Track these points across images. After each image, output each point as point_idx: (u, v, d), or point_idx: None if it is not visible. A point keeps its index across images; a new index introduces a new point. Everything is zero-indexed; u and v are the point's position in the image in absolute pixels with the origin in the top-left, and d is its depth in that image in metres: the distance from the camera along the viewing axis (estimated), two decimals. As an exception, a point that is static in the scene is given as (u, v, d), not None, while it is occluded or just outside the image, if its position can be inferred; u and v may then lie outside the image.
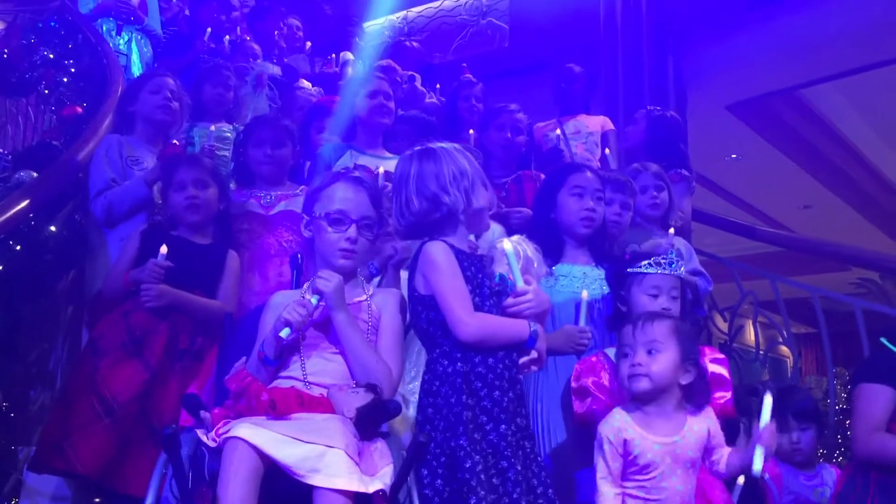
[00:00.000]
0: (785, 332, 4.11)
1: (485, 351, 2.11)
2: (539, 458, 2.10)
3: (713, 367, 2.48)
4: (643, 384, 2.14)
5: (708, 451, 2.17)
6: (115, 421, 2.62)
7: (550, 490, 2.08)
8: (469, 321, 2.09)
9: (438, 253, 2.13)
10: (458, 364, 2.11)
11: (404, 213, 2.21)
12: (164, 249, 2.76)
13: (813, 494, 3.04)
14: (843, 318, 4.28)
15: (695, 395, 2.19)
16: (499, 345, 2.13)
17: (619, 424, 2.17)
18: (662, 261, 2.56)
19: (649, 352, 2.16)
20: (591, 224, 2.82)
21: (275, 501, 1.89)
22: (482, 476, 1.96)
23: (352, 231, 2.24)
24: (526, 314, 2.15)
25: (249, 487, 1.79)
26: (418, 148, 2.27)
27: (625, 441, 2.13)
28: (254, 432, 1.83)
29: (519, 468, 2.03)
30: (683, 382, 2.17)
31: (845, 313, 3.92)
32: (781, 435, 3.12)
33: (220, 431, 1.90)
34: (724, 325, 4.30)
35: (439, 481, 1.99)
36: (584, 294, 2.64)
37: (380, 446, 2.04)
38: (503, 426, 2.06)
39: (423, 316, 2.18)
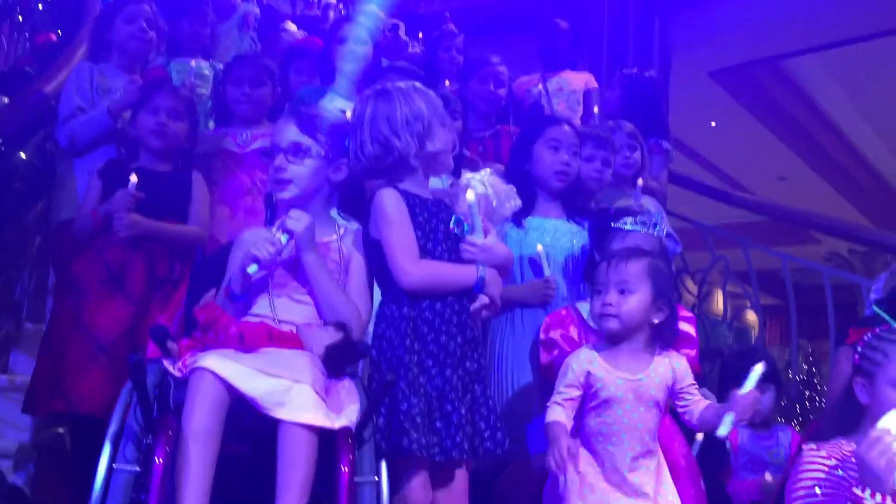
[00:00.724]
0: (753, 298, 4.16)
1: (432, 296, 2.12)
2: (490, 403, 2.09)
3: (681, 325, 2.51)
4: (612, 324, 2.15)
5: (675, 394, 2.17)
6: (108, 357, 2.63)
7: (500, 434, 2.08)
8: (411, 270, 2.11)
9: (386, 200, 2.13)
10: (405, 309, 2.12)
11: (359, 157, 2.18)
12: (133, 178, 2.73)
13: (768, 455, 3.10)
14: (809, 292, 4.34)
15: (664, 335, 2.20)
16: (444, 291, 2.13)
17: (584, 356, 2.19)
18: (647, 220, 2.58)
19: (621, 291, 2.16)
20: (565, 178, 2.82)
21: (240, 435, 1.90)
22: (417, 419, 1.98)
23: (279, 160, 2.22)
24: (486, 264, 2.17)
25: (214, 418, 1.79)
26: (376, 87, 2.24)
27: (588, 374, 2.14)
28: (221, 364, 1.83)
29: (463, 412, 2.04)
30: (656, 321, 2.18)
31: (812, 287, 3.98)
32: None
33: (187, 362, 1.89)
34: (693, 289, 4.34)
35: (382, 420, 2.02)
36: (539, 248, 2.67)
37: (347, 385, 2.04)
38: (448, 370, 2.08)
39: (375, 261, 2.20)
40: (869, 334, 1.91)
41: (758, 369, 2.00)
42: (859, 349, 1.89)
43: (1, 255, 3.55)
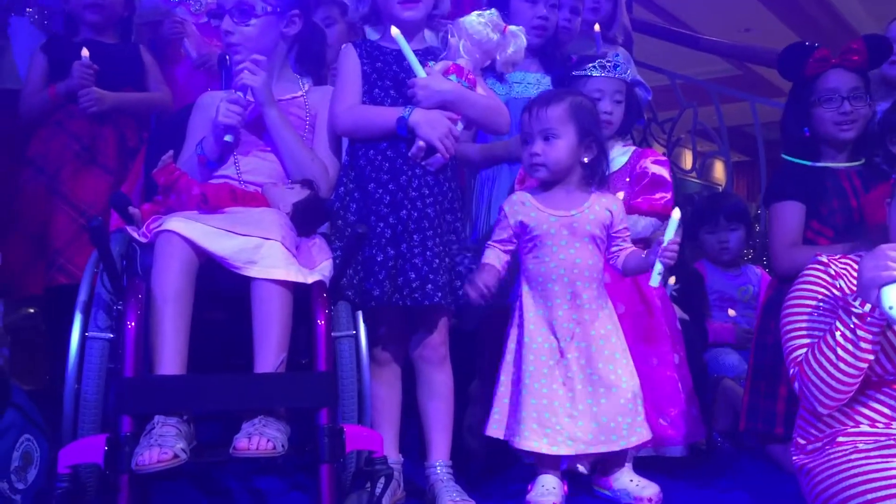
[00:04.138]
0: (721, 142, 4.15)
1: (365, 142, 2.14)
2: (428, 254, 2.04)
3: (655, 168, 2.48)
4: (541, 173, 2.14)
5: (611, 237, 2.17)
6: None
7: (430, 286, 2.01)
8: (339, 114, 2.16)
9: (341, 54, 2.23)
10: (346, 157, 2.18)
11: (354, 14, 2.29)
12: (85, 52, 2.69)
13: (737, 293, 3.16)
14: (778, 147, 4.32)
15: (597, 172, 2.19)
16: (370, 134, 2.12)
17: (516, 199, 2.19)
18: (607, 63, 2.51)
19: (546, 139, 2.12)
20: (544, 33, 2.72)
21: (214, 299, 1.87)
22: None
23: (225, 23, 2.15)
24: (423, 104, 2.10)
25: (184, 280, 1.75)
26: None
27: (521, 222, 2.14)
28: (186, 225, 1.77)
29: (391, 254, 2.02)
30: (586, 160, 2.16)
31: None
32: (711, 235, 3.22)
33: (151, 227, 1.84)
34: (663, 139, 4.32)
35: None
36: None
37: (318, 242, 2.01)
38: (373, 217, 2.06)
39: None
40: None
41: (675, 215, 2.00)
42: None
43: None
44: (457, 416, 2.18)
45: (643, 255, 2.12)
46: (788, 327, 1.76)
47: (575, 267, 2.11)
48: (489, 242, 2.20)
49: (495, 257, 2.16)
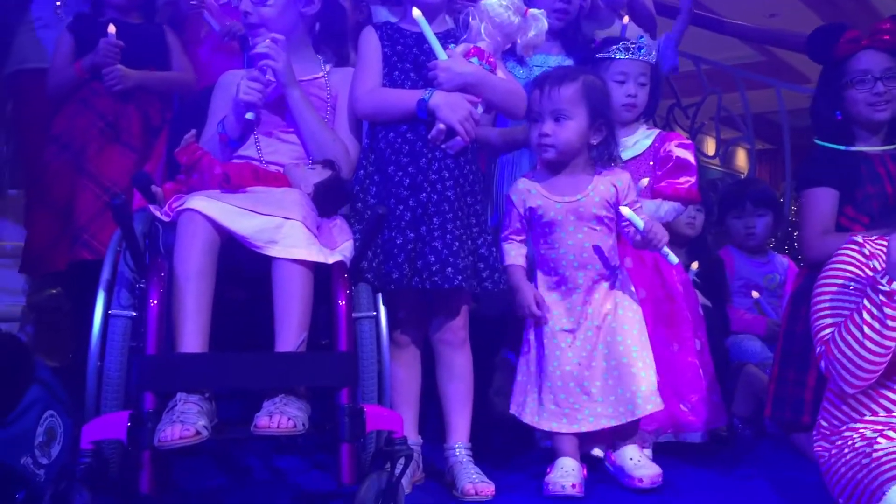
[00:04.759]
0: (746, 128, 4.10)
1: (385, 125, 2.13)
2: (448, 237, 2.02)
3: (679, 152, 2.46)
4: (550, 154, 2.12)
5: (619, 216, 2.15)
6: None
7: (449, 269, 2.00)
8: (359, 97, 2.15)
9: (361, 38, 2.21)
10: (366, 140, 2.17)
11: None
12: (112, 29, 2.69)
13: (763, 280, 3.13)
14: (802, 134, 4.26)
15: (604, 155, 2.16)
16: (390, 116, 2.12)
17: (522, 187, 2.18)
18: (631, 45, 2.50)
19: (556, 119, 2.10)
20: (565, 17, 2.69)
21: (234, 276, 1.87)
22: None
23: (244, 4, 2.17)
24: (444, 87, 2.08)
25: (206, 259, 1.75)
26: None
27: (529, 208, 2.14)
28: (208, 204, 1.77)
29: (411, 237, 2.02)
30: (594, 143, 2.14)
31: (806, 129, 3.90)
32: (737, 221, 3.19)
33: (174, 206, 1.84)
34: (686, 124, 4.27)
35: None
36: None
37: (339, 223, 2.01)
38: (392, 200, 2.06)
39: None
40: None
41: (624, 211, 2.09)
42: None
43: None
44: (477, 397, 2.18)
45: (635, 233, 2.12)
46: (818, 306, 1.74)
47: (584, 251, 2.11)
48: (505, 236, 2.19)
49: (518, 254, 2.17)
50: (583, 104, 2.10)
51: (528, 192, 2.16)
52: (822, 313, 1.73)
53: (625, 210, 2.09)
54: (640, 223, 2.07)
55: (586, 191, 2.13)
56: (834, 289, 1.73)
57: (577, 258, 2.11)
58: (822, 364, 1.69)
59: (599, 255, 2.13)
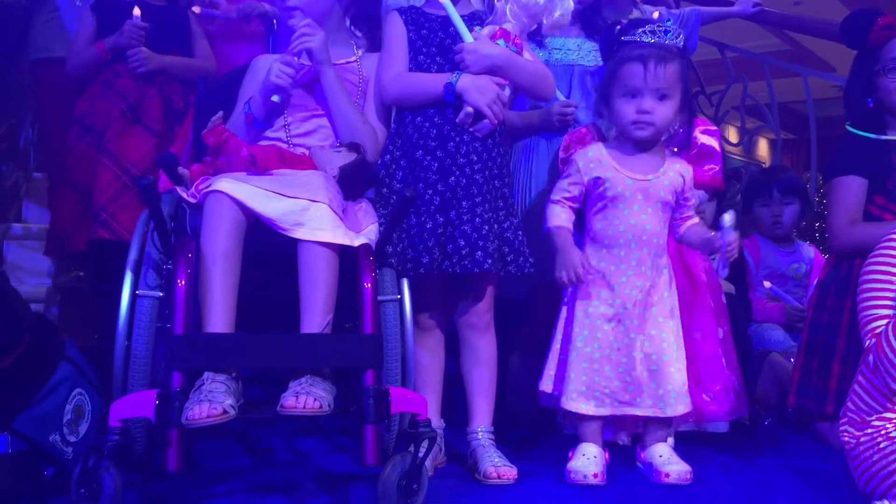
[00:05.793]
0: (772, 115, 4.07)
1: (413, 109, 2.12)
2: (479, 219, 2.01)
3: (704, 139, 2.44)
4: (647, 132, 2.07)
5: (679, 204, 2.13)
6: None
7: (479, 253, 1.99)
8: (386, 83, 2.15)
9: (386, 23, 2.21)
10: (393, 125, 2.17)
11: None
12: (137, 11, 2.71)
13: (789, 270, 3.11)
14: (827, 124, 4.22)
15: (678, 138, 2.14)
16: (417, 101, 2.11)
17: (592, 153, 2.13)
18: (658, 28, 2.45)
19: (661, 98, 2.06)
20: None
21: (260, 258, 1.88)
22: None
23: None
24: (472, 70, 2.08)
25: (233, 240, 1.76)
26: None
27: (596, 178, 2.09)
28: (235, 186, 1.78)
29: (440, 221, 2.02)
30: (676, 126, 2.12)
31: (831, 119, 3.86)
32: (764, 209, 3.16)
33: (200, 187, 1.85)
34: (710, 111, 4.24)
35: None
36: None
37: (364, 206, 2.01)
38: (421, 185, 2.05)
39: None
40: None
41: (727, 221, 1.97)
42: None
43: (1, 105, 3.47)
44: (500, 382, 2.18)
45: (711, 235, 2.07)
46: (866, 295, 1.71)
47: (644, 233, 2.08)
48: (555, 198, 2.14)
49: (566, 217, 2.12)
50: (679, 84, 2.08)
51: (599, 162, 2.10)
52: (872, 303, 1.69)
53: (727, 217, 2.00)
54: (732, 234, 2.00)
55: (658, 172, 2.09)
56: (885, 277, 1.70)
57: (636, 239, 2.07)
58: (871, 357, 1.66)
59: (657, 239, 2.09)
